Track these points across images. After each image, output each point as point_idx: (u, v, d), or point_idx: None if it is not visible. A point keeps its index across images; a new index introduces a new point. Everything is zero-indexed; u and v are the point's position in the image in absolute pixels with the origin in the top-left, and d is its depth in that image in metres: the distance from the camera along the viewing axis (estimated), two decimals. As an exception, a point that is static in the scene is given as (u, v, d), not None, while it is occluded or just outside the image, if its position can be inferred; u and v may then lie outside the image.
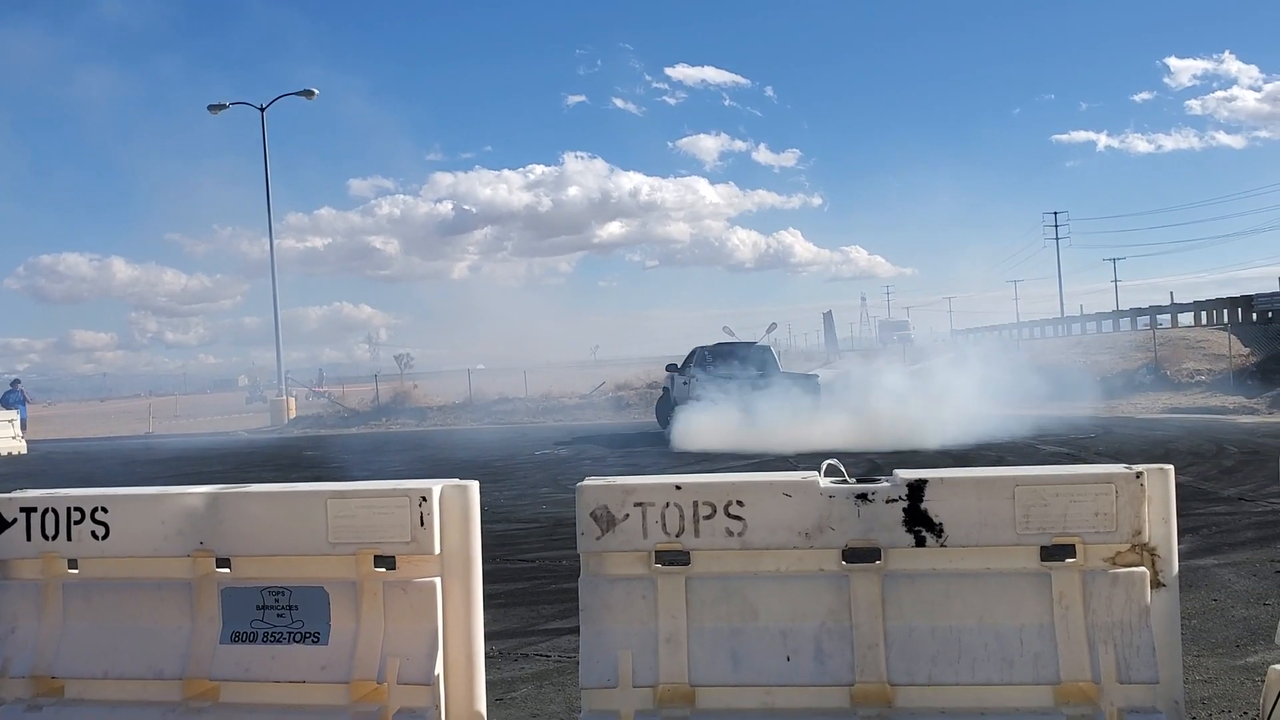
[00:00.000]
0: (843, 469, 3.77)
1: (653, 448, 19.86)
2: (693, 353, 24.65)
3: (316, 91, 40.55)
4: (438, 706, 3.79)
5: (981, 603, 3.64)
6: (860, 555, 3.67)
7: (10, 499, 4.22)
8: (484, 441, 24.45)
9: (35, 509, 4.18)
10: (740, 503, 3.66)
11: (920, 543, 3.62)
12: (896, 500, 3.62)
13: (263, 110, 40.09)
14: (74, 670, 4.11)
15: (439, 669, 3.80)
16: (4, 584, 4.22)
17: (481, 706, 3.95)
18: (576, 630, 6.03)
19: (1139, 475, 3.59)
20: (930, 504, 3.61)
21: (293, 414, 38.35)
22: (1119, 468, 3.64)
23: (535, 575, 8.10)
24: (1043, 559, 3.64)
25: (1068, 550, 3.64)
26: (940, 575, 3.67)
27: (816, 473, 3.73)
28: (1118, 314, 52.87)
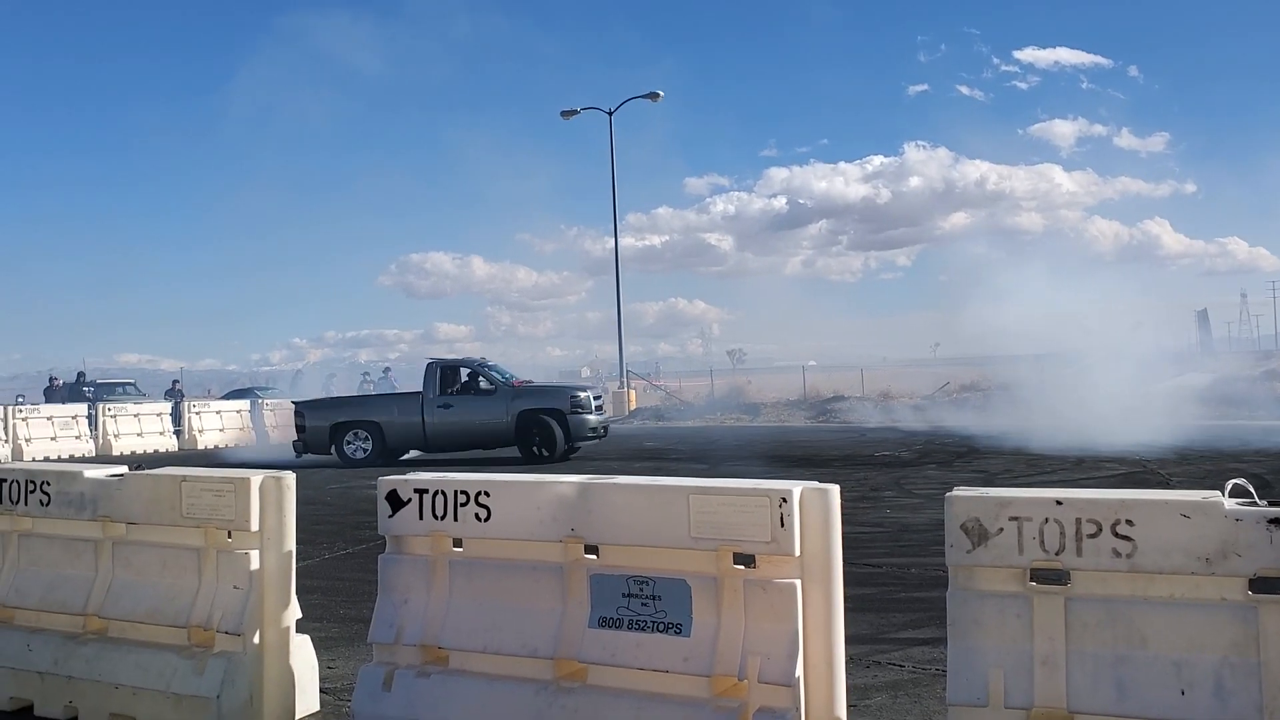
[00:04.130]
0: (1251, 489, 3.40)
1: (979, 454, 18.99)
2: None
3: (662, 94, 41.83)
4: (798, 708, 3.77)
5: None
6: (1270, 585, 3.31)
7: (406, 480, 4.60)
8: (820, 440, 24.28)
9: (427, 491, 4.54)
10: (1130, 522, 3.38)
11: (1345, 576, 3.21)
12: (1317, 527, 3.23)
13: (610, 114, 41.81)
14: (457, 643, 4.42)
15: (799, 671, 3.78)
16: (399, 558, 4.61)
17: (842, 712, 3.89)
18: (929, 641, 5.91)
19: None
20: (1359, 533, 3.19)
21: (633, 405, 39.76)
22: None
23: (883, 581, 7.92)
24: None
25: None
26: (1368, 614, 3.23)
27: (1220, 493, 3.39)
28: None
